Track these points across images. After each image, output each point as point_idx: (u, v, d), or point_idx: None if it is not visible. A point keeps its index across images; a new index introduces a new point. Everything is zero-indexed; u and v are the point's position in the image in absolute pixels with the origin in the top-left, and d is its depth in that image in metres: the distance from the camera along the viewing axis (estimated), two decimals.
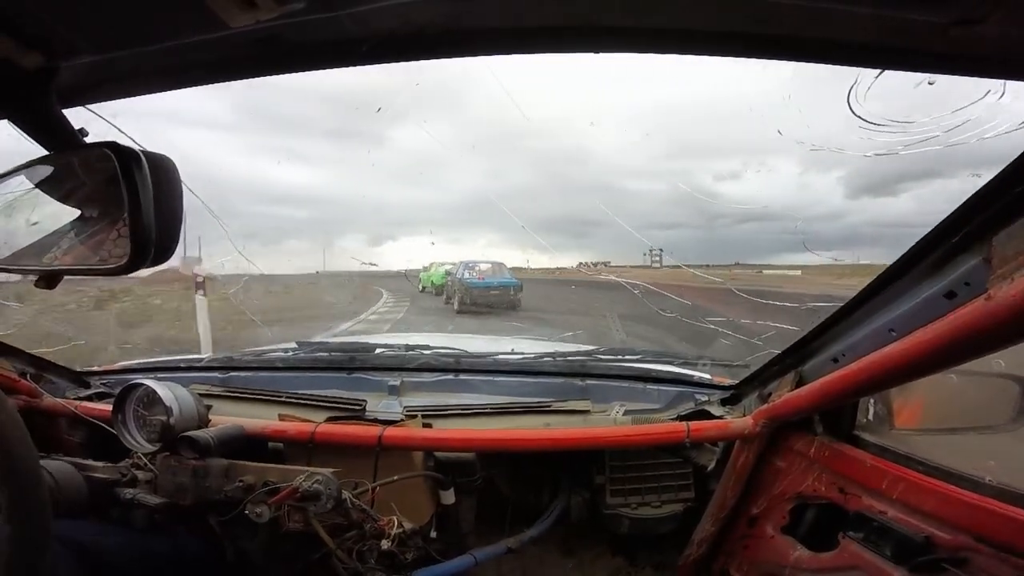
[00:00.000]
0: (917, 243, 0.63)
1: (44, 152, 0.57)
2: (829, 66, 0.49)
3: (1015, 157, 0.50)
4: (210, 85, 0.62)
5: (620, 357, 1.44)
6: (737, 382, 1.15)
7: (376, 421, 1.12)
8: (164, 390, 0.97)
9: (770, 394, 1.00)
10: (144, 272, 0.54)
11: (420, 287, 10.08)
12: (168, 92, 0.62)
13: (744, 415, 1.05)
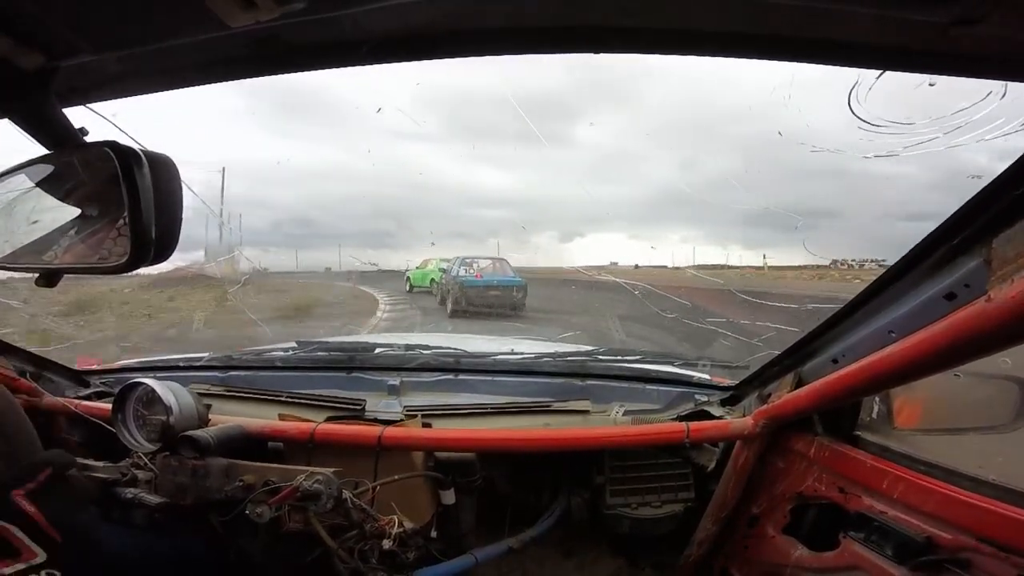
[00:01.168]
0: (917, 245, 0.63)
1: (44, 151, 0.57)
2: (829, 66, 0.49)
3: (1015, 159, 0.50)
4: (216, 84, 0.62)
5: (620, 357, 1.44)
6: (737, 383, 1.15)
7: (376, 421, 1.12)
8: (164, 389, 0.97)
9: (770, 394, 1.00)
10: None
11: (408, 286, 9.40)
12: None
13: (744, 415, 1.05)
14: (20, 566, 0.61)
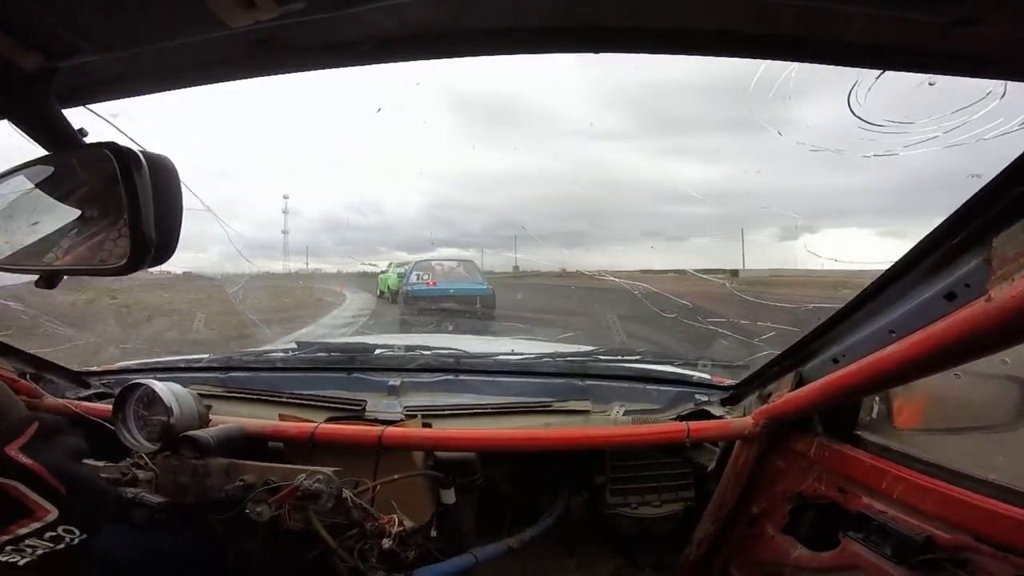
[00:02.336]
0: (917, 244, 0.63)
1: (44, 152, 0.57)
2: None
3: (1015, 158, 0.50)
4: (216, 84, 0.62)
5: (620, 357, 1.44)
6: (737, 382, 1.15)
7: (376, 421, 1.12)
8: (164, 390, 0.98)
9: (770, 394, 1.00)
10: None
11: (379, 291, 8.12)
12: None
13: (744, 415, 1.05)
14: (36, 524, 0.59)
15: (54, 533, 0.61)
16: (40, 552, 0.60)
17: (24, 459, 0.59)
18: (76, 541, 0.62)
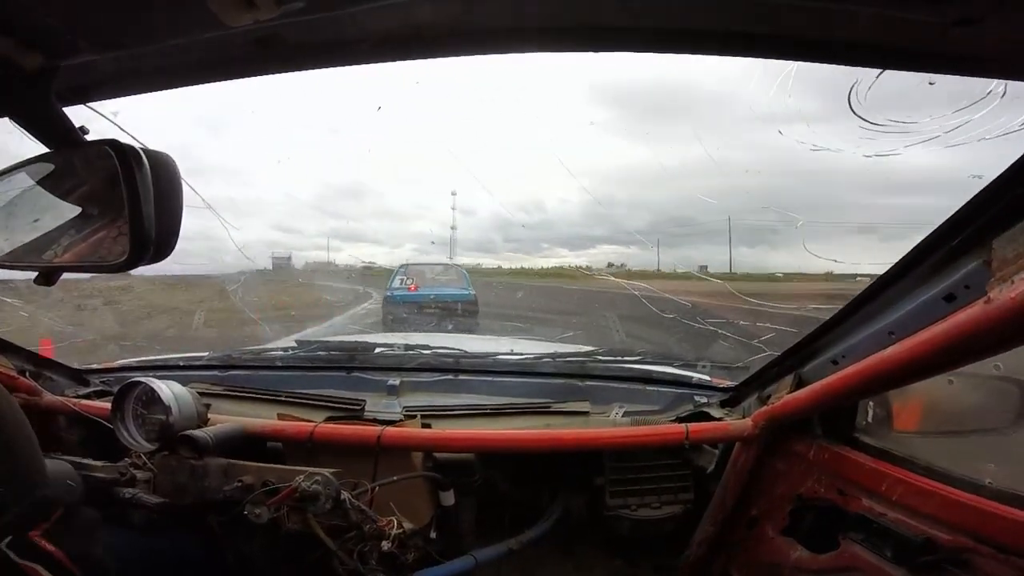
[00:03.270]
0: (917, 246, 0.63)
1: (45, 150, 0.57)
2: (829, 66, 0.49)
3: (1015, 159, 0.50)
4: (216, 83, 0.62)
5: (619, 358, 1.44)
6: (736, 384, 1.15)
7: (375, 421, 1.11)
8: (163, 388, 0.97)
9: (769, 396, 1.00)
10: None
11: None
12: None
13: (743, 417, 1.05)
14: None
15: None
16: None
17: (47, 545, 0.63)
18: None
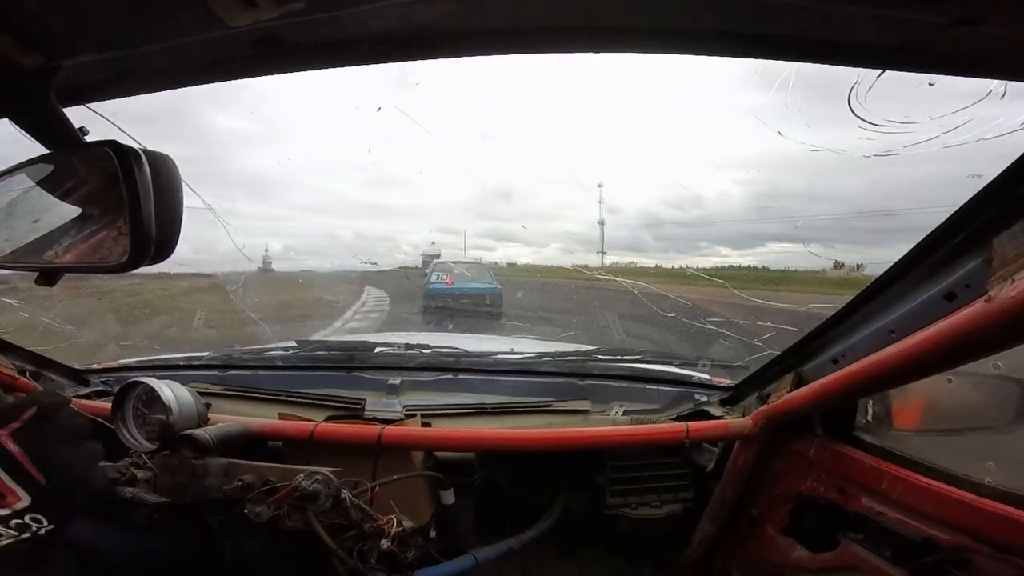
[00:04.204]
0: (917, 245, 0.63)
1: (44, 151, 0.57)
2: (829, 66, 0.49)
3: (1015, 158, 0.50)
4: (216, 83, 0.62)
5: (619, 357, 1.44)
6: (736, 383, 1.15)
7: (375, 420, 1.12)
8: (163, 388, 0.97)
9: (769, 395, 1.00)
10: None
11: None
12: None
13: (743, 415, 1.05)
14: (3, 511, 0.59)
15: (20, 521, 0.60)
16: (5, 541, 0.59)
17: (11, 446, 0.59)
18: (43, 531, 0.61)
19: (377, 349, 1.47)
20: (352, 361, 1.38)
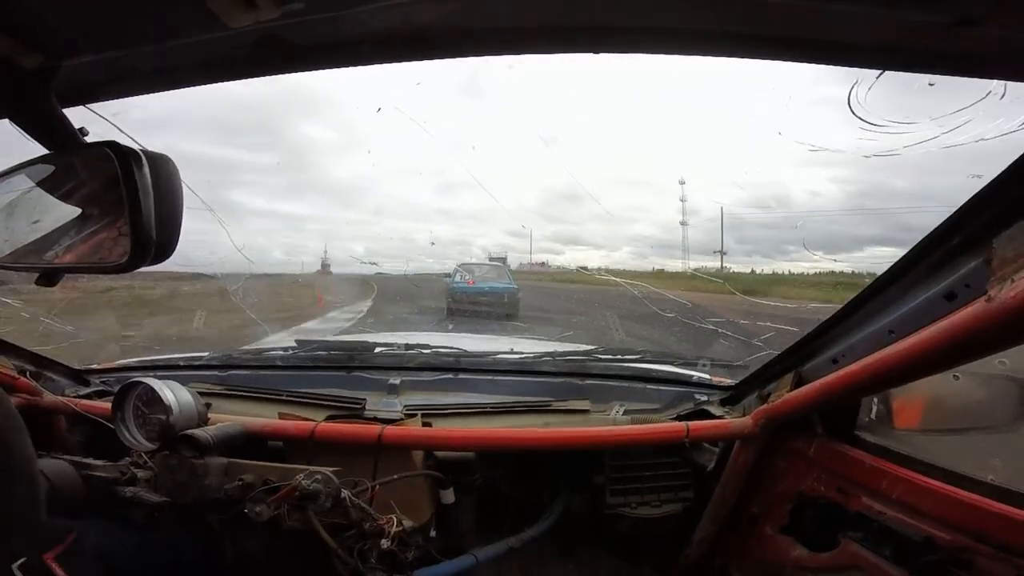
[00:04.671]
0: (917, 245, 0.63)
1: (44, 151, 0.57)
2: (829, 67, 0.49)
3: (1015, 159, 0.50)
4: (216, 83, 0.62)
5: (619, 357, 1.44)
6: (736, 382, 1.15)
7: (376, 420, 1.12)
8: (163, 388, 0.98)
9: (769, 394, 1.00)
10: None
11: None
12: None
13: (744, 415, 1.05)
14: None
15: None
16: None
17: (58, 569, 0.63)
18: None
19: (377, 349, 1.47)
20: (352, 361, 1.38)
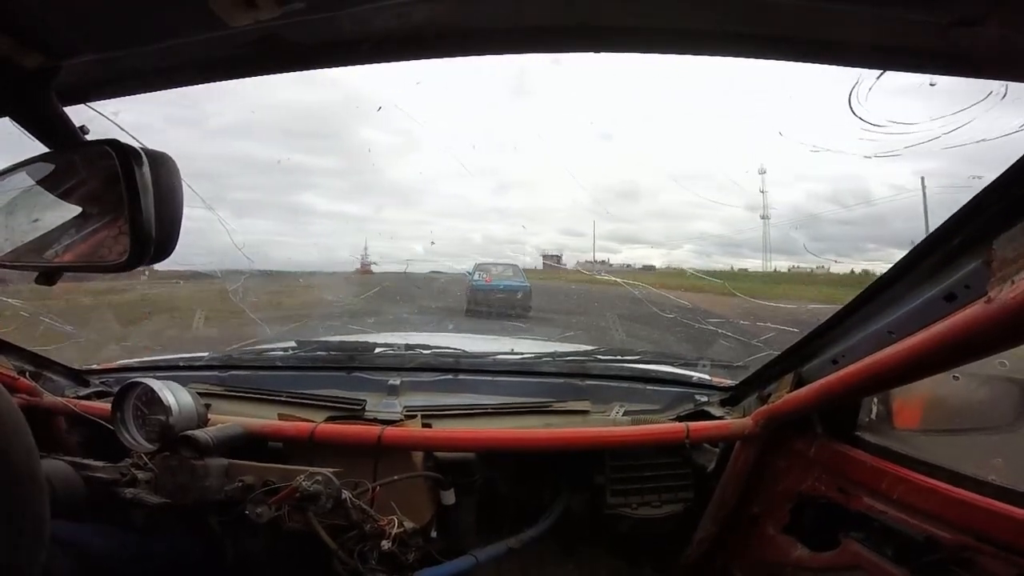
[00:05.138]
0: (917, 246, 0.63)
1: (45, 150, 0.57)
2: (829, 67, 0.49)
3: (1015, 160, 0.50)
4: (216, 83, 0.62)
5: (619, 358, 1.44)
6: (736, 383, 1.15)
7: (376, 421, 1.12)
8: (163, 389, 0.98)
9: (770, 395, 1.00)
10: None
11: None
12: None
13: (744, 416, 1.05)
14: None
15: None
16: None
17: None
18: None
19: (377, 349, 1.47)
20: (352, 361, 1.38)
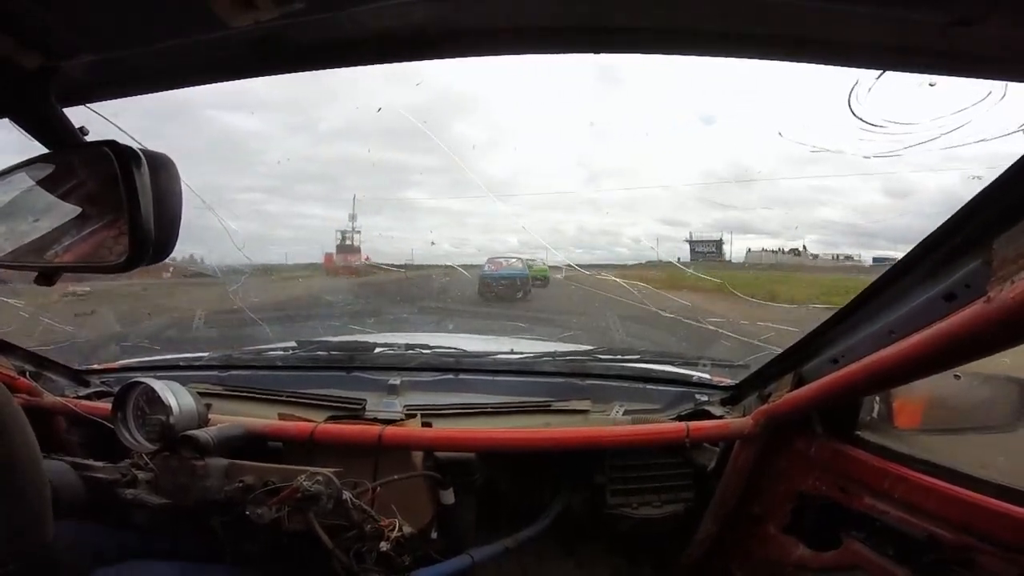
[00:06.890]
0: (917, 245, 0.63)
1: (44, 151, 0.57)
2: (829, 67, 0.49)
3: (1015, 160, 0.50)
4: (216, 83, 0.62)
5: (620, 357, 1.44)
6: (737, 382, 1.15)
7: (376, 420, 1.12)
8: (164, 389, 0.98)
9: (770, 394, 1.00)
10: None
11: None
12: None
13: (744, 415, 1.05)
14: None
15: None
16: None
17: None
18: None
19: (377, 349, 1.47)
20: (352, 361, 1.38)
